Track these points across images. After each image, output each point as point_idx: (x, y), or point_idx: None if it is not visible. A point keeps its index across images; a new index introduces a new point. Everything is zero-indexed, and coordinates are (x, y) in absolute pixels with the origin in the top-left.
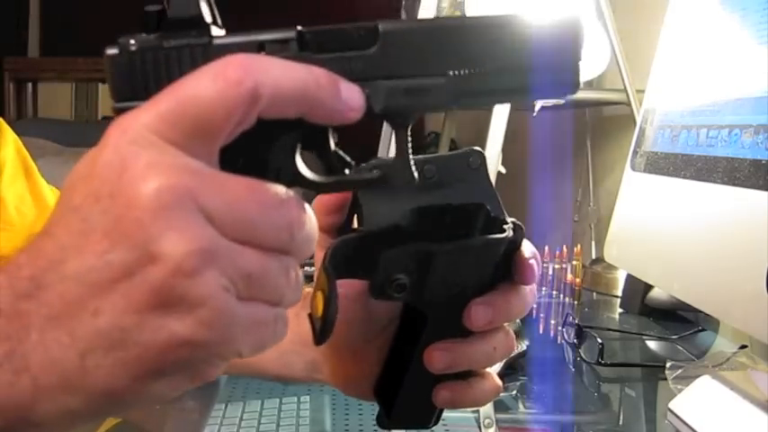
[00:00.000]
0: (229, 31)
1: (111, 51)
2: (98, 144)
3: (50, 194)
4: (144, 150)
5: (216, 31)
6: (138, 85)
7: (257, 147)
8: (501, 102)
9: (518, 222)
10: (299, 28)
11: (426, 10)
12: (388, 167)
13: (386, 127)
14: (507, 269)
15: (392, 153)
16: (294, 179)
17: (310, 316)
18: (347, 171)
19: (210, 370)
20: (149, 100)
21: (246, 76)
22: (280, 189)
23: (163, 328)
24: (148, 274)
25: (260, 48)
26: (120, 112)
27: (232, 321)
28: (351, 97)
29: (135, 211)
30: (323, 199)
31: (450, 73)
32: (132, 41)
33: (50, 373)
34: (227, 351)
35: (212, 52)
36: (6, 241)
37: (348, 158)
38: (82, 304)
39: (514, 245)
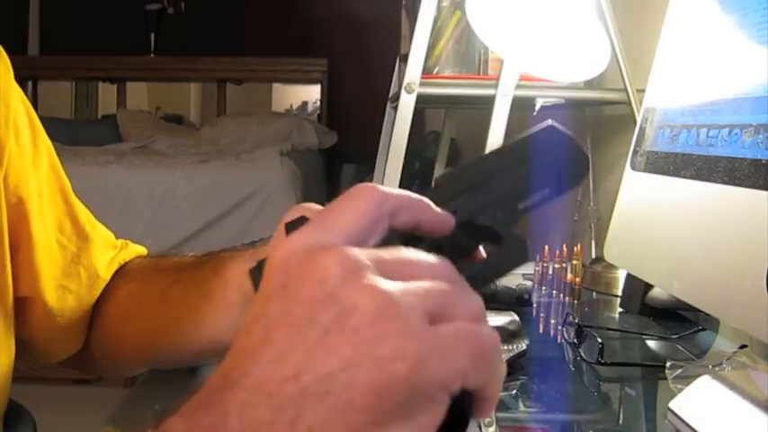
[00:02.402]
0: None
1: None
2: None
3: (84, 215)
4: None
5: None
6: None
7: None
8: (541, 203)
9: None
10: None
11: (426, 9)
12: (501, 250)
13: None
14: None
15: None
16: None
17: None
18: None
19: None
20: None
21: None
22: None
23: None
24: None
25: None
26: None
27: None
28: (442, 210)
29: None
30: None
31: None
32: None
33: None
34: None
35: None
36: (52, 280)
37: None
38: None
39: None
